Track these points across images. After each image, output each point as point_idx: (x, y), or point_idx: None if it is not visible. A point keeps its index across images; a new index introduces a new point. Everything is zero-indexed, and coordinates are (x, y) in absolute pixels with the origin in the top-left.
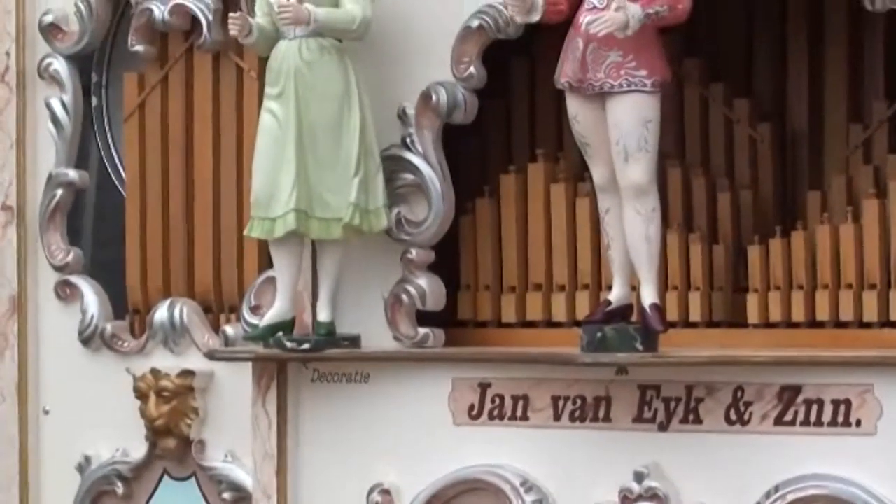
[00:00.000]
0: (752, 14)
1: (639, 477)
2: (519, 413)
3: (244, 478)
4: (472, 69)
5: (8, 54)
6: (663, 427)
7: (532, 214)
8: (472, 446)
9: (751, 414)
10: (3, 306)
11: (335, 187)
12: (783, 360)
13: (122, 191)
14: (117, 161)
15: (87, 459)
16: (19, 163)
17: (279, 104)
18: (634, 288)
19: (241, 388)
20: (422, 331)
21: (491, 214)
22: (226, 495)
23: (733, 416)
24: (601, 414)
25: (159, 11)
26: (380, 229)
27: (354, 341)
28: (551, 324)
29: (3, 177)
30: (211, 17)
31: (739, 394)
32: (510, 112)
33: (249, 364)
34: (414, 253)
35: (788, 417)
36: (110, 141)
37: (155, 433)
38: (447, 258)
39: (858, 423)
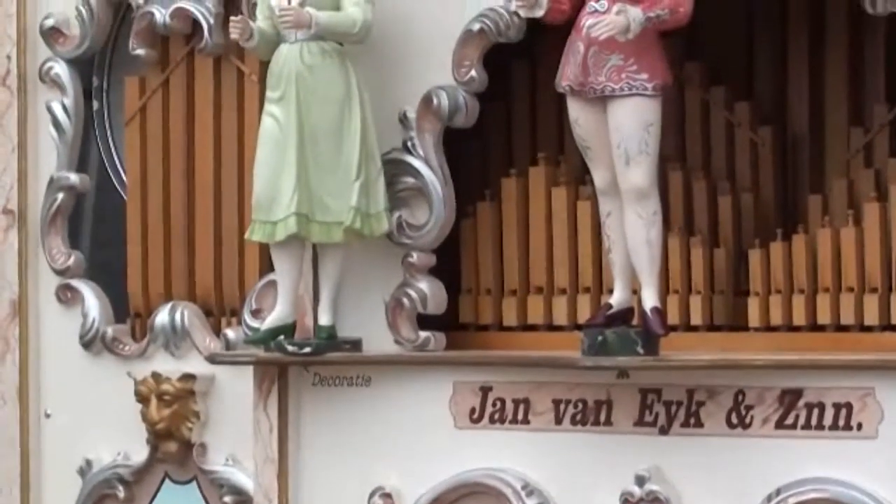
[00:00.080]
0: (753, 17)
1: (640, 480)
2: (520, 416)
3: (245, 481)
4: (473, 73)
5: (9, 58)
6: (664, 431)
7: (533, 218)
8: (474, 450)
9: (752, 417)
10: (4, 310)
11: (336, 191)
12: (784, 363)
13: (123, 194)
14: (118, 164)
15: (89, 463)
16: (20, 166)
17: (280, 108)
18: (635, 291)
19: (242, 391)
20: (423, 334)
21: (492, 218)
22: (227, 499)
23: (734, 420)
24: (602, 417)
25: (160, 15)
26: (381, 233)
27: (356, 345)
28: (552, 327)
29: (4, 180)
30: (212, 21)
31: (740, 397)
32: (511, 115)
33: (251, 368)
34: (415, 256)
35: (789, 421)
36: (111, 144)
37: (156, 437)
38: (448, 262)
39: (859, 426)
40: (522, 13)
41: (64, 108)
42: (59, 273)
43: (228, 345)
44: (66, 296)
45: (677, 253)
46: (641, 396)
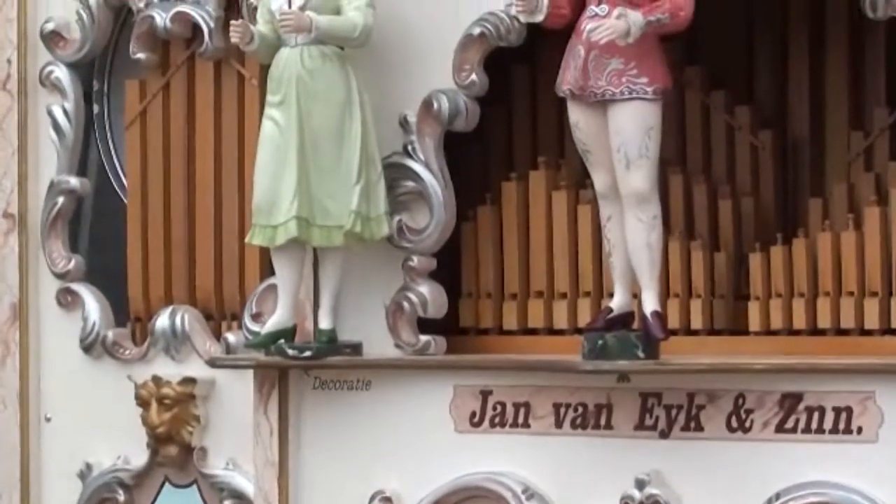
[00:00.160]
0: (753, 21)
1: (640, 484)
2: (520, 420)
3: (245, 485)
4: (473, 76)
5: (9, 62)
6: (665, 434)
7: (533, 222)
8: (474, 453)
9: (752, 421)
10: (4, 314)
11: (336, 195)
12: (784, 367)
13: (123, 198)
14: (118, 168)
15: (89, 467)
16: (21, 170)
17: (280, 112)
18: (636, 295)
19: (242, 395)
20: (423, 338)
21: (492, 222)
22: (227, 503)
23: (734, 424)
24: (602, 421)
25: (161, 19)
26: (381, 237)
27: (356, 349)
28: (553, 331)
29: (4, 184)
30: (212, 25)
31: (741, 401)
32: (511, 119)
33: (251, 371)
34: (415, 260)
35: (790, 425)
36: (112, 148)
37: (156, 440)
38: (448, 265)
39: (860, 430)
40: (523, 18)
41: (64, 111)
42: (60, 277)
43: (229, 348)
44: (67, 299)
45: (678, 257)
46: (642, 400)
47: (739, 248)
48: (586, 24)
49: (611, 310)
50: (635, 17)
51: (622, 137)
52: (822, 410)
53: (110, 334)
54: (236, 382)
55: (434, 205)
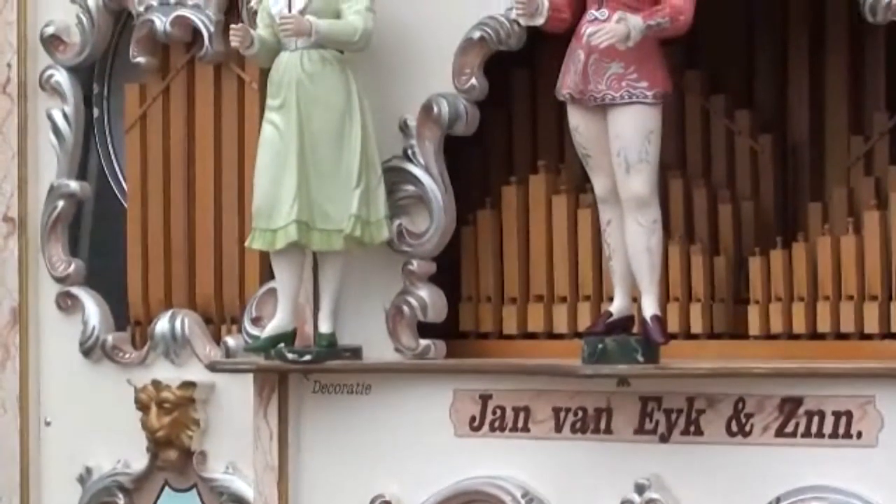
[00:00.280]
0: (753, 26)
1: (640, 489)
2: (520, 424)
3: (245, 489)
4: (473, 80)
5: (9, 65)
6: (664, 439)
7: (533, 226)
8: (474, 458)
9: (752, 425)
10: (4, 317)
11: (336, 199)
12: (784, 371)
13: (123, 201)
14: (118, 172)
15: (89, 471)
16: (21, 174)
17: (280, 116)
18: (635, 299)
19: (242, 399)
20: (423, 342)
21: (492, 226)
22: None
23: (734, 428)
24: (602, 425)
25: (160, 23)
26: (381, 241)
27: (356, 353)
28: (552, 335)
29: (4, 188)
30: (212, 29)
31: (740, 405)
32: (511, 123)
33: (251, 375)
34: (415, 264)
35: (789, 429)
36: (111, 152)
37: (156, 444)
38: (448, 269)
39: (859, 434)
40: (523, 21)
41: (64, 115)
42: (60, 281)
43: (228, 352)
44: (67, 303)
45: (677, 261)
46: (641, 404)
47: (739, 252)
48: (586, 28)
49: (611, 314)
50: (635, 22)
51: (622, 141)
52: (821, 415)
53: (110, 338)
54: (236, 386)
55: (434, 209)
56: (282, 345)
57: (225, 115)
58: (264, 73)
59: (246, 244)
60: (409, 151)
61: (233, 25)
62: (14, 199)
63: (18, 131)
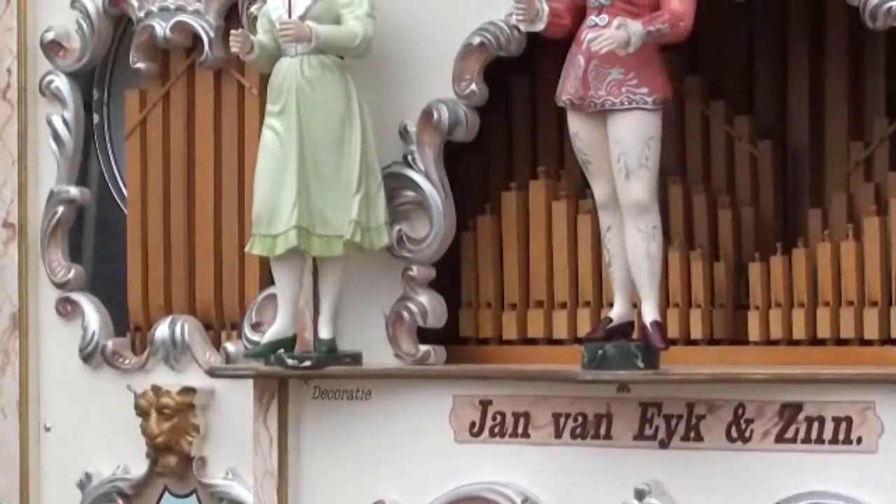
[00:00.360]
0: (753, 32)
1: (640, 494)
2: (520, 430)
3: (245, 495)
4: (473, 86)
5: (9, 71)
6: (664, 444)
7: (533, 231)
8: (474, 464)
9: (752, 431)
10: (4, 323)
11: (336, 204)
12: (784, 377)
13: (123, 207)
14: (118, 178)
15: (88, 476)
16: (21, 180)
17: (280, 121)
18: (635, 305)
19: (242, 405)
20: (423, 348)
21: (492, 232)
22: None
23: (734, 434)
24: (602, 431)
25: (160, 28)
26: (381, 246)
27: (356, 358)
28: (552, 341)
29: (4, 194)
30: (212, 35)
31: (740, 411)
32: (511, 129)
33: (251, 381)
34: (415, 270)
35: (789, 435)
36: (112, 158)
37: (156, 450)
38: (448, 275)
39: (859, 440)
40: (523, 27)
41: (64, 121)
42: (59, 286)
43: (228, 358)
44: (66, 309)
45: (677, 267)
46: (641, 410)
47: (739, 258)
48: (586, 34)
49: (610, 320)
50: (635, 28)
51: (622, 147)
52: (821, 420)
53: (110, 344)
54: (236, 392)
55: (434, 214)
56: (282, 350)
57: (225, 121)
58: (264, 79)
59: (246, 250)
60: (409, 157)
61: (233, 31)
62: (14, 205)
63: (18, 137)
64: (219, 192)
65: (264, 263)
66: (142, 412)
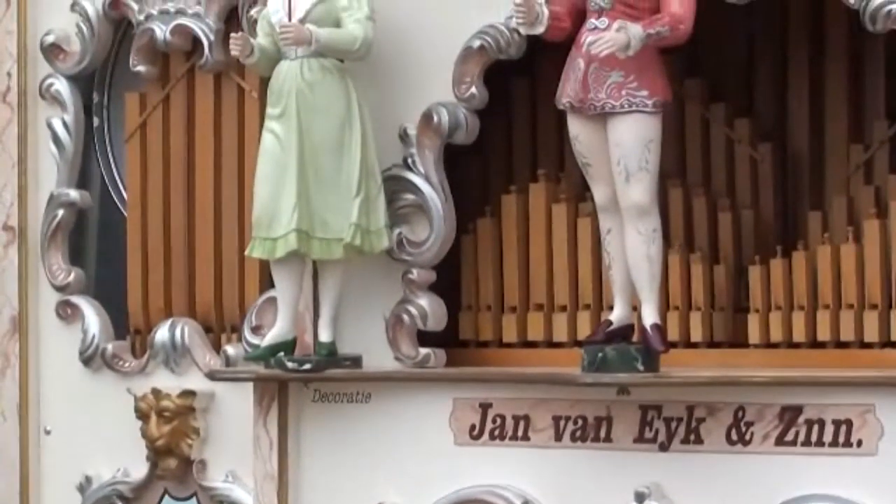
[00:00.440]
0: (753, 34)
1: (640, 497)
2: (520, 433)
3: (245, 498)
4: (473, 89)
5: (9, 74)
6: (664, 447)
7: (533, 234)
8: (474, 466)
9: (752, 434)
10: (4, 326)
11: (336, 207)
12: (784, 380)
13: (123, 210)
14: (118, 181)
15: (88, 479)
16: (21, 183)
17: (280, 124)
18: (635, 308)
19: (242, 408)
20: (423, 351)
21: (492, 234)
22: None
23: (734, 437)
24: (602, 434)
25: (161, 32)
26: (381, 249)
27: (356, 361)
28: (552, 344)
29: (4, 197)
30: (212, 38)
31: (740, 414)
32: (511, 132)
33: (251, 384)
34: (415, 273)
35: (789, 438)
36: (112, 161)
37: (156, 453)
38: (448, 278)
39: (859, 443)
40: (523, 30)
41: (64, 124)
42: (60, 289)
43: (228, 361)
44: (66, 312)
45: (677, 269)
46: (641, 413)
47: (739, 261)
48: (586, 37)
49: (610, 322)
50: (635, 30)
51: (622, 150)
52: (821, 423)
53: (110, 347)
54: (236, 395)
55: (434, 217)
56: (282, 353)
57: (225, 124)
58: (264, 82)
59: (246, 253)
60: (409, 160)
61: (233, 34)
62: (14, 208)
63: (18, 140)
64: (219, 195)
65: (264, 266)
66: (142, 415)
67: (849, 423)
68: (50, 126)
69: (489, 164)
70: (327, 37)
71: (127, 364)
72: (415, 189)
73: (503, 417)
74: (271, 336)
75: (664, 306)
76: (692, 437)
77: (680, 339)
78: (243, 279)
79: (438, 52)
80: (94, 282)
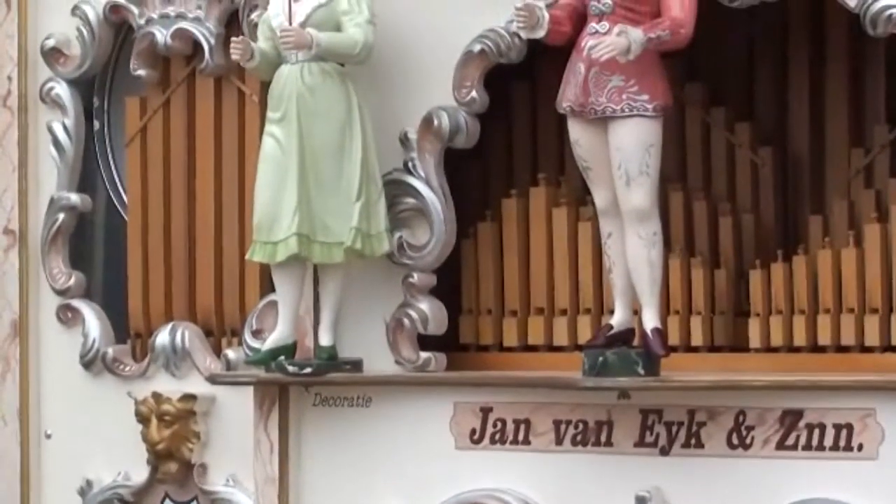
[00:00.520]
0: (754, 38)
1: (640, 501)
2: (521, 437)
3: (246, 501)
4: (473, 93)
5: (10, 78)
6: (665, 451)
7: (534, 238)
8: (474, 471)
9: (752, 438)
10: (4, 330)
11: (337, 211)
12: (785, 384)
13: (124, 215)
14: (119, 185)
15: (89, 483)
16: (21, 187)
17: (281, 128)
18: (636, 312)
19: (242, 412)
20: (423, 355)
21: (492, 238)
22: None
23: (735, 441)
24: (603, 438)
25: (161, 36)
26: (381, 253)
27: (356, 365)
28: (553, 348)
29: (4, 201)
30: (213, 42)
31: (741, 418)
32: (512, 136)
33: (251, 388)
34: (415, 277)
35: (790, 442)
36: (112, 165)
37: (156, 457)
38: (449, 282)
39: (860, 447)
40: (523, 34)
41: (65, 128)
42: (60, 293)
43: (229, 365)
44: (67, 316)
45: (678, 273)
46: (642, 417)
47: (740, 265)
48: (587, 41)
49: (611, 326)
50: (636, 35)
51: (623, 154)
52: (822, 427)
53: (110, 351)
54: (236, 399)
55: (434, 221)
56: (282, 357)
57: (225, 128)
58: (265, 86)
59: (246, 257)
60: (410, 164)
61: (233, 38)
62: (14, 212)
63: (19, 144)
64: (219, 199)
65: (265, 270)
66: (142, 419)
67: (849, 427)
68: (50, 130)
69: (490, 168)
70: (328, 41)
71: (127, 368)
72: (415, 193)
73: (504, 421)
74: (272, 340)
75: (665, 310)
76: (693, 442)
77: (681, 343)
78: (244, 283)
79: (439, 56)
80: (95, 285)
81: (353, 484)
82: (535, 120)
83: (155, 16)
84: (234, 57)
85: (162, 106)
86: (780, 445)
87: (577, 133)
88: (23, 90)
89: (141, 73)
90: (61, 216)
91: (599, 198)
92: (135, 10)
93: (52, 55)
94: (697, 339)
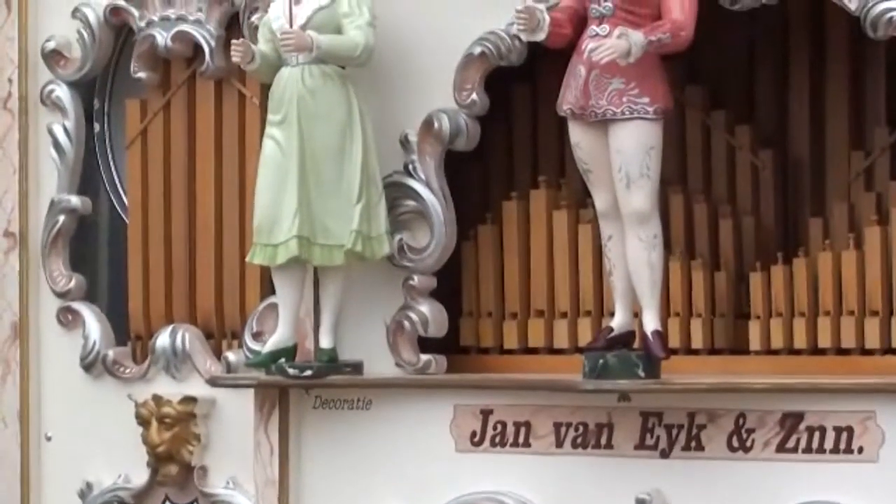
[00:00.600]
0: (754, 41)
1: None
2: (521, 440)
3: None
4: (474, 96)
5: (10, 81)
6: (665, 454)
7: (534, 241)
8: (474, 473)
9: (753, 441)
10: (4, 332)
11: (337, 214)
12: (785, 386)
13: (124, 217)
14: (119, 187)
15: (89, 486)
16: (21, 189)
17: (281, 131)
18: (636, 314)
19: (243, 414)
20: (424, 357)
21: (493, 241)
22: None
23: (735, 443)
24: (603, 441)
25: (162, 38)
26: (382, 256)
27: (356, 368)
28: (553, 350)
29: (5, 203)
30: (213, 44)
31: (741, 421)
32: (512, 139)
33: (251, 390)
34: (416, 279)
35: (790, 444)
36: (112, 167)
37: (157, 459)
38: (449, 285)
39: (860, 450)
40: (524, 37)
41: (65, 130)
42: (60, 295)
43: (229, 367)
44: (67, 318)
45: (678, 276)
46: (642, 419)
47: (740, 268)
48: (587, 44)
49: (611, 329)
50: (636, 37)
51: (623, 157)
52: (822, 430)
53: (111, 353)
54: (237, 401)
55: (435, 224)
56: (282, 360)
57: (226, 131)
58: (265, 89)
59: (247, 259)
60: (410, 166)
61: (234, 41)
62: (15, 214)
63: (19, 146)
64: (219, 201)
65: (265, 273)
66: (143, 421)
67: (850, 430)
68: (51, 132)
69: (490, 171)
70: (328, 43)
71: (128, 370)
72: (416, 195)
73: (504, 424)
74: (272, 342)
75: (665, 313)
76: (693, 444)
77: (681, 346)
78: (244, 285)
79: (439, 59)
80: (95, 288)
81: (353, 486)
82: (536, 122)
83: (155, 18)
84: (234, 59)
85: (162, 108)
86: (781, 448)
87: (578, 136)
88: (23, 92)
89: (141, 76)
90: (62, 218)
91: (600, 200)
92: (135, 12)
93: (53, 57)
94: (698, 341)
